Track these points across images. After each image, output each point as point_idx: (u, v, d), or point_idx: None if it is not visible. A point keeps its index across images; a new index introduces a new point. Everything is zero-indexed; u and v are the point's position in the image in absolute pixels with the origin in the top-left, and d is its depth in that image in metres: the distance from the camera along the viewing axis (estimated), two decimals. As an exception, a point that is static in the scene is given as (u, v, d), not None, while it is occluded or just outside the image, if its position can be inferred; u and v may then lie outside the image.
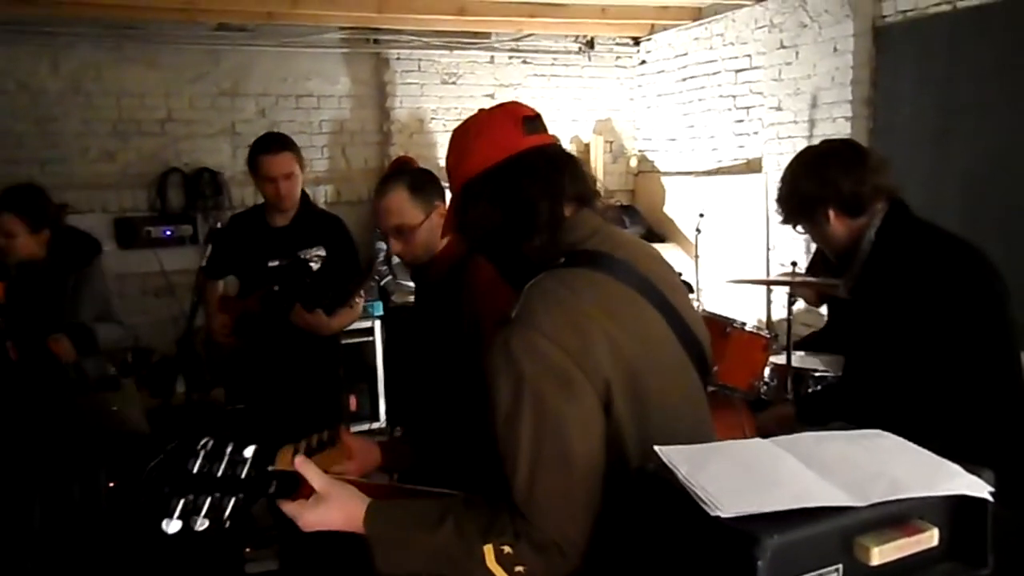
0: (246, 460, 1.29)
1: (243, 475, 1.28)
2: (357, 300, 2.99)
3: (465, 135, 1.45)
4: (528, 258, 1.37)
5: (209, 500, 1.25)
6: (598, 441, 1.22)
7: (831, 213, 2.09)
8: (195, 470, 1.26)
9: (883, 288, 2.01)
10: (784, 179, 2.20)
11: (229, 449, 1.29)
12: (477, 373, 1.31)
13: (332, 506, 1.31)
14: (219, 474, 1.26)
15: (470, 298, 1.95)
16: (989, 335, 1.97)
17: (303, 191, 3.21)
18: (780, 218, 2.23)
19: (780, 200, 2.21)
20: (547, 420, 1.20)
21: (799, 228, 2.21)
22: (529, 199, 1.35)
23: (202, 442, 1.28)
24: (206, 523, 1.24)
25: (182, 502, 1.24)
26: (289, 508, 1.33)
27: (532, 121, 1.42)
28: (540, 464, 1.20)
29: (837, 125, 4.54)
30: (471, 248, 1.51)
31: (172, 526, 1.23)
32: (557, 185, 1.37)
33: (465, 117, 1.50)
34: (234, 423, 3.27)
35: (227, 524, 1.26)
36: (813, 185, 2.10)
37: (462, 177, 1.41)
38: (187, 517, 1.24)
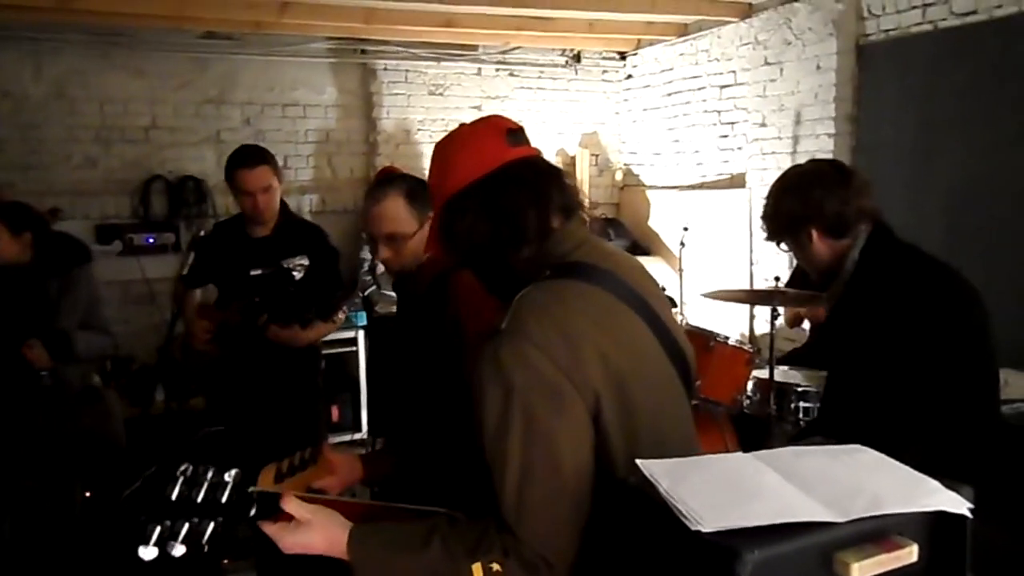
0: (227, 484, 1.28)
1: (223, 499, 1.26)
2: (340, 316, 2.97)
3: (448, 149, 1.43)
4: (515, 270, 1.36)
5: (187, 525, 1.24)
6: (587, 454, 1.22)
7: (814, 233, 2.10)
8: (173, 496, 1.25)
9: (865, 308, 2.02)
10: (769, 197, 2.21)
11: (210, 474, 1.28)
12: (460, 384, 1.30)
13: (314, 531, 1.30)
14: (199, 499, 1.25)
15: (453, 309, 1.94)
16: (968, 356, 1.99)
17: (283, 201, 3.19)
18: (764, 235, 2.24)
19: (765, 218, 2.22)
20: (536, 433, 1.19)
21: (783, 246, 2.22)
22: (517, 210, 1.34)
23: (181, 468, 1.27)
24: (183, 549, 1.23)
25: (159, 528, 1.23)
26: (271, 530, 1.31)
27: (515, 134, 1.41)
28: (529, 477, 1.19)
29: (820, 141, 4.59)
30: (458, 262, 1.48)
31: (148, 553, 1.22)
32: (544, 196, 1.36)
33: (451, 129, 1.49)
34: (212, 440, 3.23)
35: (206, 549, 1.25)
36: (797, 205, 2.11)
37: (447, 191, 1.39)
38: (164, 543, 1.23)
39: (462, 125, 1.47)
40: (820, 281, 2.21)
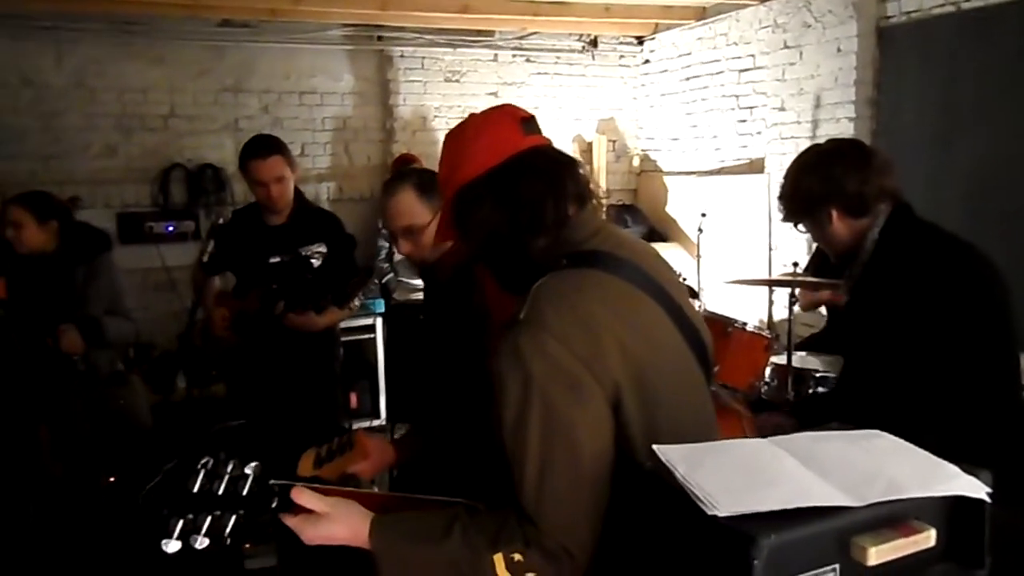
0: (247, 476, 1.28)
1: (244, 492, 1.27)
2: (355, 303, 2.99)
3: (461, 138, 1.42)
4: (531, 261, 1.35)
5: (210, 518, 1.25)
6: (607, 443, 1.22)
7: (834, 213, 2.07)
8: (195, 489, 1.26)
9: (884, 289, 2.00)
10: (787, 176, 2.18)
11: (230, 467, 1.29)
12: (484, 372, 1.30)
13: (335, 522, 1.30)
14: (220, 492, 1.26)
15: (479, 297, 1.95)
16: (989, 337, 1.97)
17: (298, 189, 3.21)
18: (782, 216, 2.22)
19: (783, 197, 2.19)
20: (556, 423, 1.19)
21: (800, 227, 2.20)
22: (535, 198, 1.33)
23: (202, 461, 1.28)
24: (206, 541, 1.24)
25: (181, 522, 1.24)
26: (292, 523, 1.32)
27: (528, 122, 1.41)
28: (549, 468, 1.19)
29: (840, 125, 4.54)
30: (472, 253, 1.48)
31: (171, 546, 1.23)
32: (560, 184, 1.36)
33: (468, 115, 1.49)
34: (229, 433, 3.27)
35: (228, 541, 1.26)
36: (817, 184, 2.08)
37: (461, 180, 1.38)
38: (187, 536, 1.24)
39: (473, 115, 1.47)
40: (839, 262, 2.19)
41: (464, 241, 1.43)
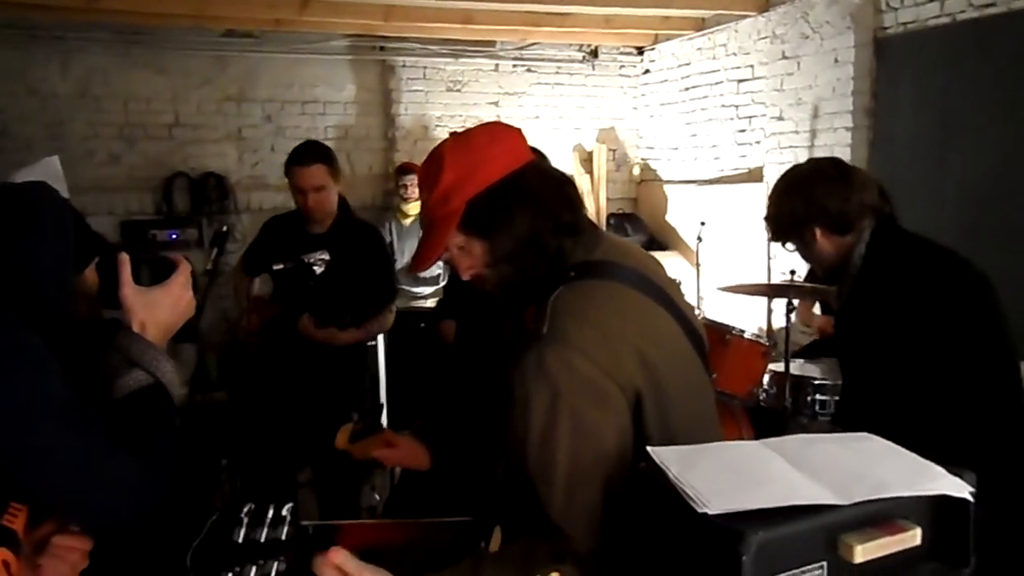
0: (285, 518, 1.28)
1: (284, 536, 1.28)
2: (374, 327, 2.96)
3: (475, 143, 1.37)
4: (539, 273, 1.35)
5: (254, 569, 1.26)
6: (629, 448, 1.25)
7: (818, 232, 2.11)
8: (240, 540, 1.25)
9: (874, 303, 2.03)
10: (771, 198, 2.23)
11: (271, 512, 1.29)
12: (503, 382, 1.31)
13: None
14: (262, 539, 1.25)
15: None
16: (982, 345, 1.99)
17: (344, 201, 3.16)
18: (769, 236, 2.27)
19: (768, 219, 2.24)
20: (585, 434, 1.22)
21: (788, 246, 2.24)
22: (555, 201, 1.35)
23: (245, 508, 1.28)
24: None
25: (230, 575, 1.25)
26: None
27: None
28: (579, 477, 1.21)
29: (838, 135, 4.58)
30: (493, 261, 1.38)
31: None
32: (568, 194, 1.39)
33: (469, 125, 1.51)
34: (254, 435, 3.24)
35: None
36: (799, 205, 2.12)
37: (477, 186, 1.33)
38: None
39: (470, 128, 1.46)
40: (828, 278, 2.23)
41: (488, 247, 1.37)
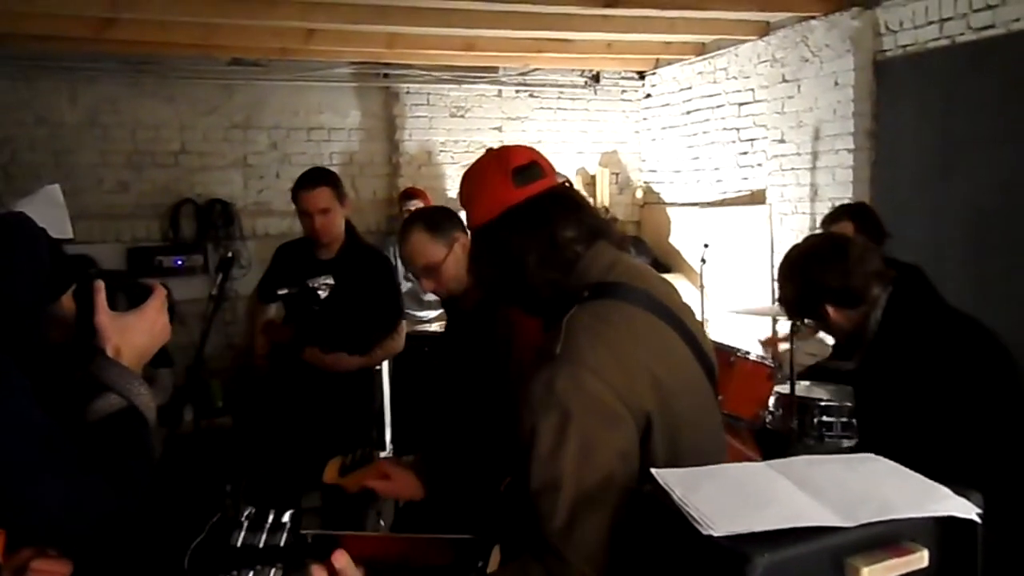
0: (285, 525, 1.29)
1: (282, 543, 1.28)
2: (379, 353, 2.95)
3: (466, 188, 1.50)
4: (542, 298, 1.40)
5: (252, 573, 1.26)
6: (635, 470, 1.25)
7: (829, 309, 2.12)
8: (239, 543, 1.26)
9: (890, 371, 2.03)
10: (778, 282, 2.25)
11: (271, 517, 1.30)
12: (506, 399, 1.33)
13: None
14: (261, 544, 1.27)
15: (504, 326, 1.98)
16: (1001, 412, 1.98)
17: (351, 225, 3.19)
18: (785, 317, 2.28)
19: (780, 302, 2.26)
20: (593, 455, 1.22)
21: (807, 321, 2.25)
22: (517, 255, 1.38)
23: (246, 512, 1.29)
24: None
25: None
26: None
27: (524, 171, 1.41)
28: (584, 498, 1.22)
29: (840, 157, 4.60)
30: (490, 298, 1.57)
31: None
32: (549, 235, 1.39)
33: (472, 150, 1.56)
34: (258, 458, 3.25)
35: None
36: (802, 288, 2.14)
37: (472, 222, 1.48)
38: None
39: (477, 161, 1.50)
40: (847, 346, 2.23)
41: (477, 282, 1.52)
